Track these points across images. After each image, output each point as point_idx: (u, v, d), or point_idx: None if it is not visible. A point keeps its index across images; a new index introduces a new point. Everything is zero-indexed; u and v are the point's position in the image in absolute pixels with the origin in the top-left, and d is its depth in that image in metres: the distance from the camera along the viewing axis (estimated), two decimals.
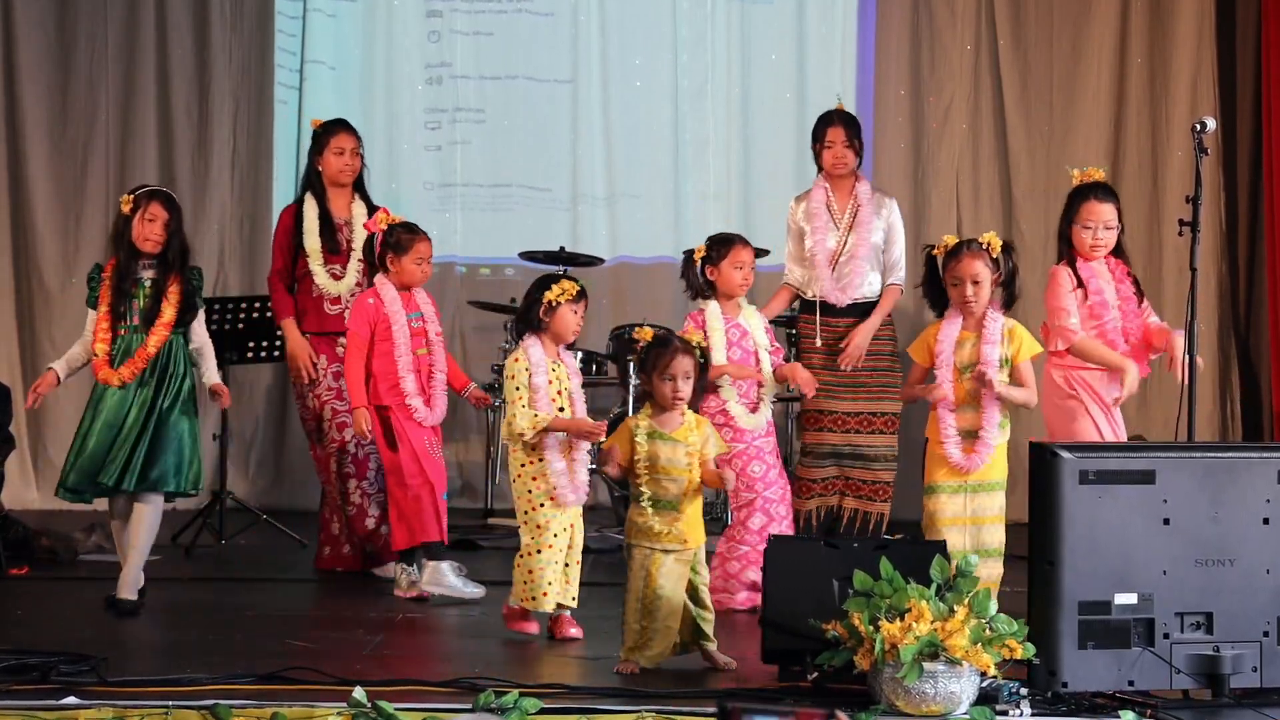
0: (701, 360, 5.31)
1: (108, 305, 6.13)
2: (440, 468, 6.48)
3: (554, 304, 5.70)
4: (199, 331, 6.27)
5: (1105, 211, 6.03)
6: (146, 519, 6.12)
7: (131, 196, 6.19)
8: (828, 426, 6.87)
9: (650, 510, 5.16)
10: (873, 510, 6.88)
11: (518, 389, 5.66)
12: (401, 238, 6.47)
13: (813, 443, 6.89)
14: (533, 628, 5.72)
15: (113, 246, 6.22)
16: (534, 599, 5.64)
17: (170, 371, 6.16)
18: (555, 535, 5.66)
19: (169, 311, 6.14)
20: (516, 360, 5.71)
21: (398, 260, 6.45)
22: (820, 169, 7.04)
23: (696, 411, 5.35)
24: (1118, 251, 6.11)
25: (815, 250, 6.91)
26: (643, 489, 5.19)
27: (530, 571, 5.65)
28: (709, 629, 5.19)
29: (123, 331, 6.12)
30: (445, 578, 6.32)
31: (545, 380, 5.67)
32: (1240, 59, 9.39)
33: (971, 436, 5.59)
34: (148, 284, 6.15)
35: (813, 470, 6.90)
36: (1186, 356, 6.15)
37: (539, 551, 5.65)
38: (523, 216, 9.55)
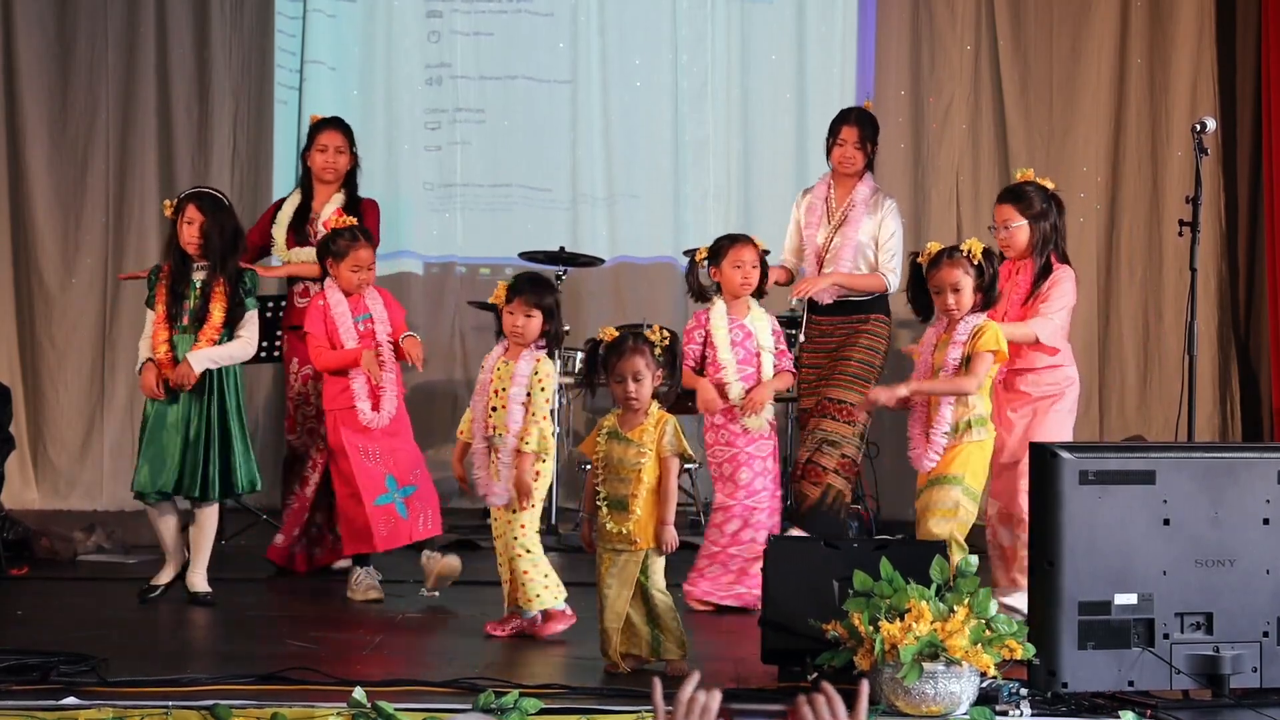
0: (670, 357, 5.25)
1: (164, 307, 6.22)
2: (374, 475, 6.42)
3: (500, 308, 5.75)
4: (242, 332, 6.32)
5: (1002, 211, 6.13)
6: (211, 520, 6.37)
7: (173, 200, 6.32)
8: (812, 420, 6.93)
9: (605, 509, 5.14)
10: (806, 492, 6.78)
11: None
12: (340, 244, 6.43)
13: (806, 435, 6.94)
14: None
15: (166, 247, 6.35)
16: (558, 595, 5.70)
17: (224, 376, 6.30)
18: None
19: (217, 314, 6.24)
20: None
21: (335, 266, 6.44)
22: (830, 165, 7.06)
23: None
24: (1041, 251, 6.05)
25: (805, 245, 6.95)
26: (599, 488, 5.18)
27: (546, 575, 5.69)
28: (669, 641, 5.12)
29: (175, 333, 6.23)
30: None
31: (486, 382, 5.72)
32: (1240, 59, 9.39)
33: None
34: (198, 285, 6.24)
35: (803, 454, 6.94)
36: (1188, 356, 6.16)
37: (540, 549, 5.71)
38: (523, 216, 9.55)
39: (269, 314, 7.66)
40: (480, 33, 9.58)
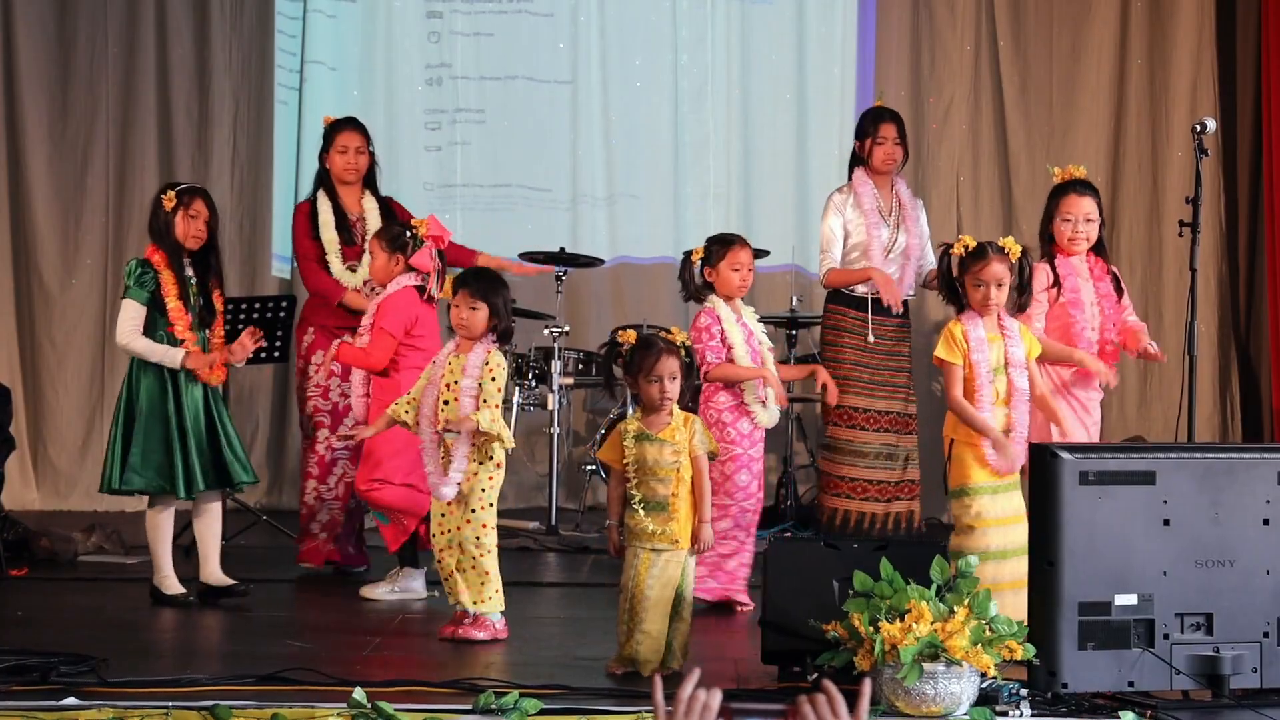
0: (686, 360, 5.26)
1: (180, 301, 6.17)
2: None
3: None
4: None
5: (1084, 204, 6.05)
6: (219, 512, 6.43)
7: (174, 193, 6.21)
8: (862, 424, 6.87)
9: (642, 512, 5.11)
10: (915, 510, 6.91)
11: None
12: None
13: (844, 439, 6.88)
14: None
15: (157, 242, 6.22)
16: (502, 604, 5.71)
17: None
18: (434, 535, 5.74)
19: (219, 309, 6.28)
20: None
21: None
22: (864, 164, 7.02)
23: (696, 409, 5.30)
24: (1101, 249, 6.09)
25: (871, 246, 6.90)
26: (634, 491, 5.13)
27: (498, 579, 5.69)
28: (678, 644, 5.10)
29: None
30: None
31: (437, 374, 5.65)
32: (1240, 59, 9.39)
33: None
34: (193, 281, 6.22)
35: (840, 467, 6.89)
36: (1188, 356, 6.16)
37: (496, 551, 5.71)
38: (523, 216, 9.55)
39: (269, 314, 7.65)
40: (480, 33, 9.59)
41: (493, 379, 5.61)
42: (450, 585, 5.64)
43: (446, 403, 5.61)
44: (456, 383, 5.61)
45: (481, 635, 5.59)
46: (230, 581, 6.30)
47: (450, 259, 7.43)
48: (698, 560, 6.20)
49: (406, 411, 5.70)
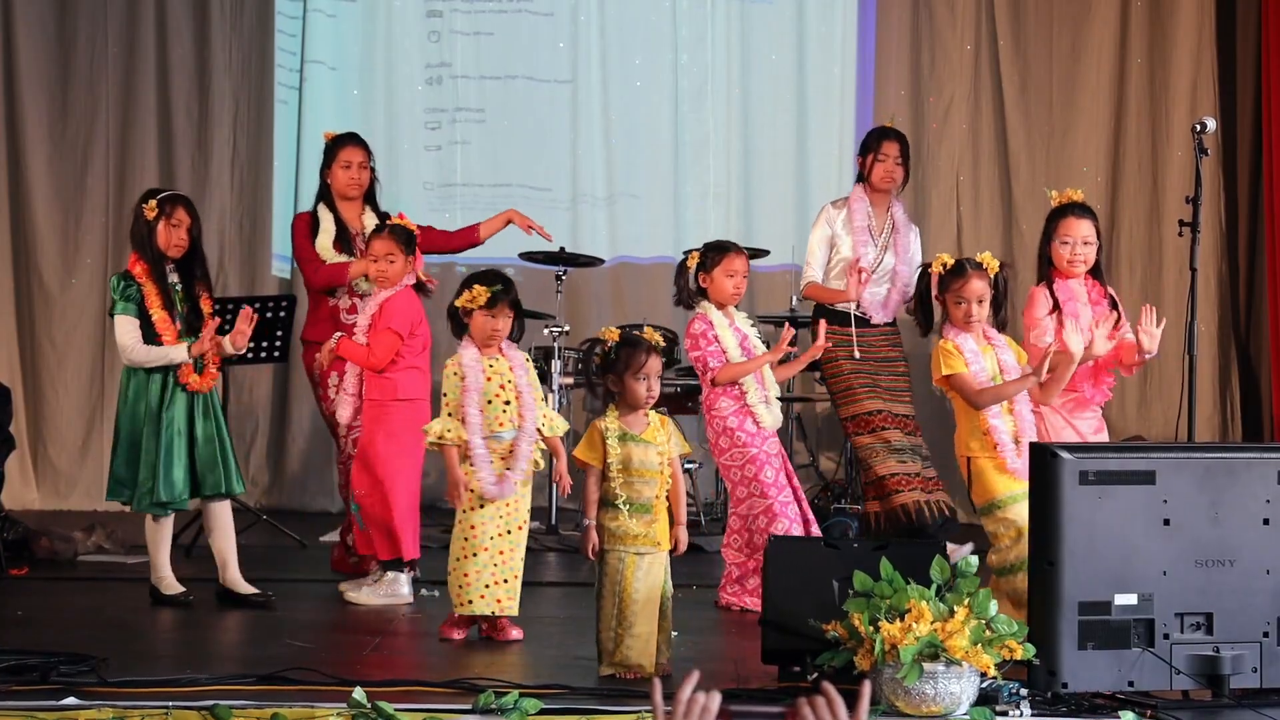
0: (665, 360, 5.32)
1: (165, 311, 6.14)
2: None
3: (467, 310, 5.70)
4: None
5: (1083, 227, 6.00)
6: (230, 516, 6.36)
7: (155, 202, 6.17)
8: (881, 425, 6.90)
9: (626, 513, 5.09)
10: (943, 499, 6.91)
11: (445, 394, 5.68)
12: None
13: (881, 442, 6.89)
14: (457, 634, 5.68)
15: (139, 251, 6.18)
16: (470, 603, 5.62)
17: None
18: (492, 538, 5.63)
19: (206, 311, 6.25)
20: (447, 366, 5.70)
21: None
22: (863, 180, 7.04)
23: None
24: (1098, 272, 6.07)
25: (861, 262, 6.93)
26: (618, 491, 5.10)
27: (465, 575, 5.62)
28: (663, 642, 5.10)
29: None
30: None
31: (479, 382, 5.64)
32: (1240, 59, 9.40)
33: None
34: (179, 289, 6.21)
35: (894, 465, 6.88)
36: (1188, 356, 6.16)
37: (474, 555, 5.62)
38: None
39: (269, 314, 7.65)
40: (480, 32, 9.59)
41: (537, 375, 5.84)
42: (500, 592, 5.60)
43: (508, 402, 5.67)
44: (509, 383, 5.68)
45: (517, 634, 5.67)
46: (251, 590, 6.25)
47: (458, 243, 7.41)
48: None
49: (449, 431, 5.64)
